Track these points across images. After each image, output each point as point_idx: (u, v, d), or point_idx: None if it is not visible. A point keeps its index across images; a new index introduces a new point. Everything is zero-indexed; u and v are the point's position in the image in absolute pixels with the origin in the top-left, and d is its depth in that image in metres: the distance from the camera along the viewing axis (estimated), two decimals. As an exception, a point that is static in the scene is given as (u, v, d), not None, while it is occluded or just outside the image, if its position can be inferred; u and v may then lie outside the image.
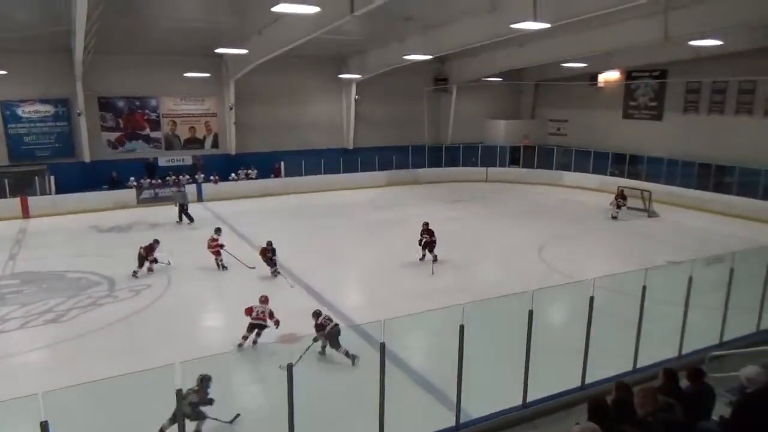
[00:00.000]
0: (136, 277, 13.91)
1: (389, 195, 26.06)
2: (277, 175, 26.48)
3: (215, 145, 26.40)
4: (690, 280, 9.27)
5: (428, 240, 15.21)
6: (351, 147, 29.20)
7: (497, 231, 19.25)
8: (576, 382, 8.20)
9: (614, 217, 21.00)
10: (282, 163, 26.42)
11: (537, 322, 7.58)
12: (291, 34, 18.13)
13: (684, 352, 9.28)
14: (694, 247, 16.60)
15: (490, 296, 9.03)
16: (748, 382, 4.96)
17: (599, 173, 27.76)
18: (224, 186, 24.59)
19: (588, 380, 8.22)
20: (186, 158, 25.59)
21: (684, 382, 6.22)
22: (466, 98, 31.20)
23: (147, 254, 14.09)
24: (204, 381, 7.46)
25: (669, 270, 13.13)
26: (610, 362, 8.79)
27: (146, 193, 23.37)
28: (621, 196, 21.69)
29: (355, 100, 28.51)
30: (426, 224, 15.42)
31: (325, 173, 26.71)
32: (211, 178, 24.87)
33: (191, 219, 20.00)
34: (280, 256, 15.53)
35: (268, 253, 13.76)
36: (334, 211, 22.19)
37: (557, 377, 8.21)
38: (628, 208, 21.67)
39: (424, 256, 15.22)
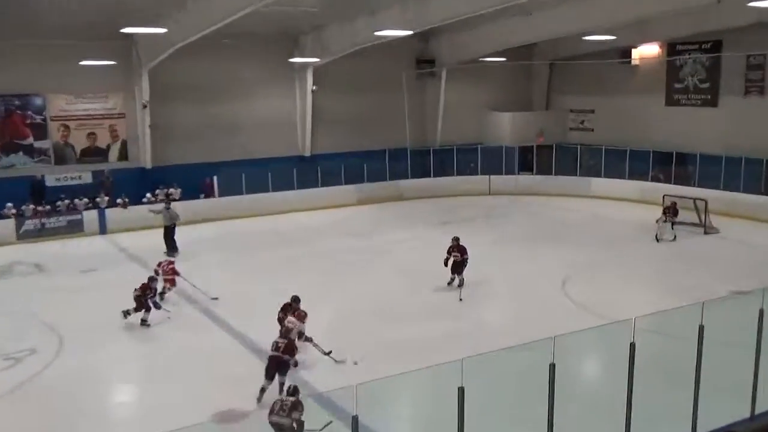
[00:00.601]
0: (147, 325, 14.21)
1: (362, 216, 26.10)
2: (209, 194, 26.35)
3: (123, 156, 26.22)
4: (761, 314, 9.38)
5: (458, 260, 16.24)
6: (308, 154, 29.26)
7: (506, 260, 19.31)
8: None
9: (660, 240, 21.21)
10: (215, 179, 26.34)
11: (561, 379, 7.59)
12: (225, 5, 18.23)
13: (758, 411, 9.35)
14: (766, 272, 16.84)
15: (500, 346, 9.01)
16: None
17: (638, 178, 28.22)
18: (135, 211, 24.29)
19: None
20: (84, 175, 25.35)
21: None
22: (460, 85, 31.57)
23: (144, 291, 14.34)
24: None
25: (734, 302, 13.29)
26: (660, 428, 8.81)
27: (29, 224, 23.08)
28: (671, 211, 21.89)
29: (312, 92, 28.67)
30: (456, 239, 16.61)
31: (274, 190, 26.66)
32: (118, 201, 24.63)
33: (175, 248, 20.47)
34: (215, 303, 15.40)
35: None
36: (288, 241, 22.13)
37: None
38: (677, 223, 21.99)
39: (453, 279, 16.38)
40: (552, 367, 7.57)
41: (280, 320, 12.29)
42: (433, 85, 31.51)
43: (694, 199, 22.77)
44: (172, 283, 15.78)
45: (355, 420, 6.42)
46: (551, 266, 18.25)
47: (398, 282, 17.06)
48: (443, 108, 31.34)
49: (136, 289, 14.34)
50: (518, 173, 31.00)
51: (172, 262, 16.25)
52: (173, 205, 21.83)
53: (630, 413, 8.21)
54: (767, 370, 9.40)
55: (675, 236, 21.37)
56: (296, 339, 11.51)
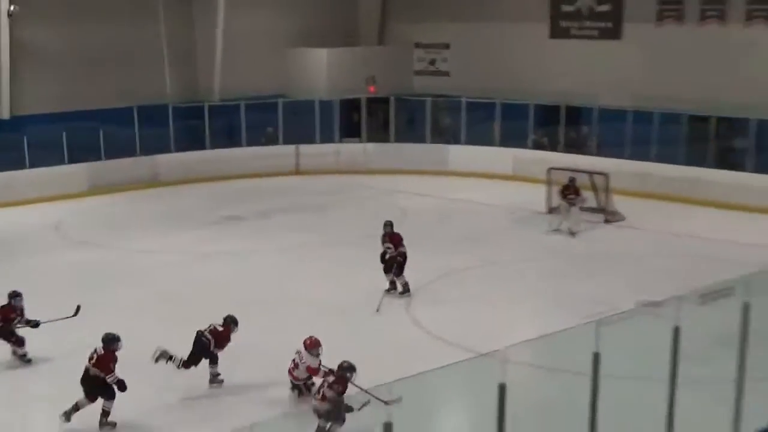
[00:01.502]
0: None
1: (94, 212, 25.55)
2: None
3: None
4: (677, 332, 10.11)
5: (393, 254, 17.76)
6: (6, 116, 28.28)
7: (328, 274, 19.45)
8: None
9: (572, 233, 22.43)
10: None
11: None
12: None
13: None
14: (686, 274, 18.11)
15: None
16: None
17: (513, 145, 29.47)
18: None
19: None
20: None
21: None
22: (248, 8, 31.57)
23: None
24: None
25: (642, 319, 14.21)
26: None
27: None
28: (572, 191, 23.04)
29: (10, 17, 27.58)
30: (389, 225, 18.20)
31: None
32: None
33: None
34: None
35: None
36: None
37: None
38: (556, 209, 23.24)
39: (392, 283, 18.00)
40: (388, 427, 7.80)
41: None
42: (204, 9, 31.25)
43: (591, 173, 24.09)
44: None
45: None
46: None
47: (152, 318, 16.77)
48: (223, 43, 31.06)
49: None
50: (340, 141, 31.42)
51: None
52: None
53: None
54: (686, 407, 10.17)
55: (572, 228, 22.63)
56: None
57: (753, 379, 11.01)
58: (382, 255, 18.00)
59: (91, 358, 12.59)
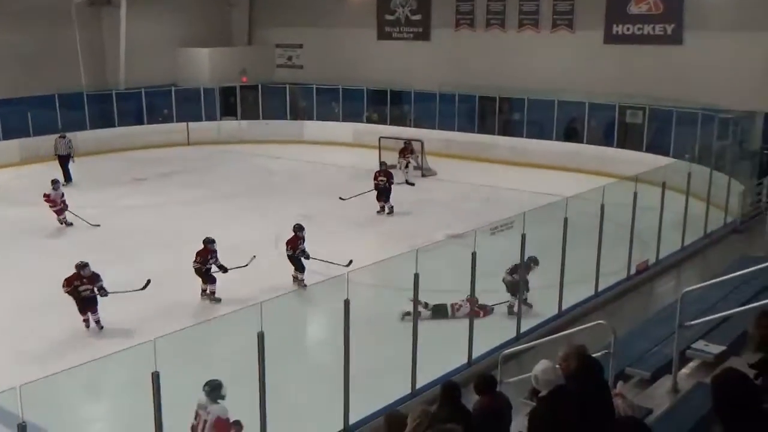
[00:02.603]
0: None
1: (27, 178, 24.33)
2: None
3: None
4: (474, 257, 10.37)
5: (383, 185, 19.68)
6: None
7: (214, 220, 19.13)
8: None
9: (411, 184, 22.99)
10: None
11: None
12: None
13: (474, 356, 10.39)
14: (482, 213, 18.60)
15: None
16: (539, 383, 5.69)
17: (353, 120, 29.67)
18: None
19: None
20: None
21: (474, 397, 6.92)
22: (146, 16, 30.41)
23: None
24: None
25: (450, 248, 14.55)
26: (383, 388, 9.46)
27: None
28: (408, 151, 23.78)
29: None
30: (384, 164, 20.58)
31: None
32: None
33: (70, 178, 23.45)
34: None
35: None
36: None
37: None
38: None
39: (383, 207, 19.58)
40: (260, 335, 7.71)
41: None
42: (110, 16, 30.03)
43: (411, 140, 24.39)
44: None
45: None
46: (267, 225, 18.41)
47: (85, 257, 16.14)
48: (126, 44, 29.98)
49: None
50: (221, 119, 31.02)
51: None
52: None
53: (347, 377, 8.66)
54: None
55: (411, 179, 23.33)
56: None
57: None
58: (376, 185, 19.83)
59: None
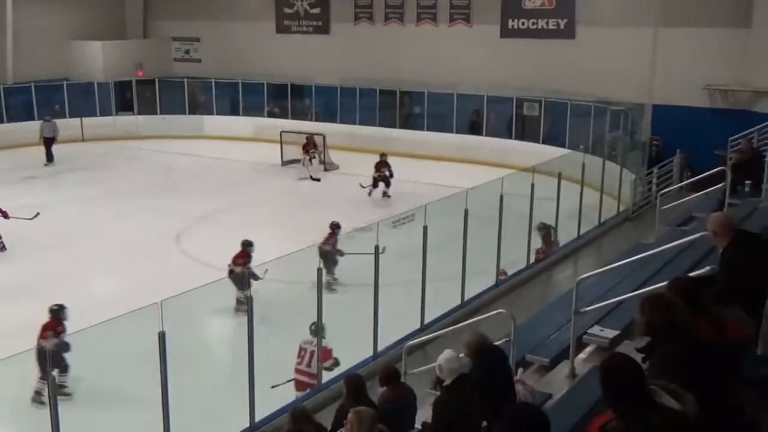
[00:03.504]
0: None
1: None
2: None
3: None
4: (377, 250, 10.47)
5: (383, 175, 20.68)
6: None
7: (110, 219, 18.73)
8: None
9: (316, 179, 23.01)
10: None
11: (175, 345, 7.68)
12: None
13: (380, 348, 10.49)
14: (384, 206, 18.77)
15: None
16: (443, 372, 5.81)
17: (253, 114, 29.44)
18: None
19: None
20: None
21: (378, 390, 7.02)
22: (34, 8, 29.47)
23: None
24: None
25: (353, 242, 14.60)
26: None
27: None
28: (311, 146, 23.68)
29: None
30: (384, 156, 21.04)
31: None
32: None
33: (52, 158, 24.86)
34: None
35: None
36: None
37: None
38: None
39: (384, 194, 20.61)
40: (161, 335, 7.61)
41: None
42: (-5, 7, 28.90)
43: (312, 135, 24.36)
44: None
45: None
46: (165, 223, 18.11)
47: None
48: (13, 36, 28.94)
49: None
50: (116, 114, 30.29)
51: None
52: None
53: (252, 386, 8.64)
54: (387, 305, 10.57)
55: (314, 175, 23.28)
56: None
57: (431, 280, 11.63)
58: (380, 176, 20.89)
59: None
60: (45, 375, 9.06)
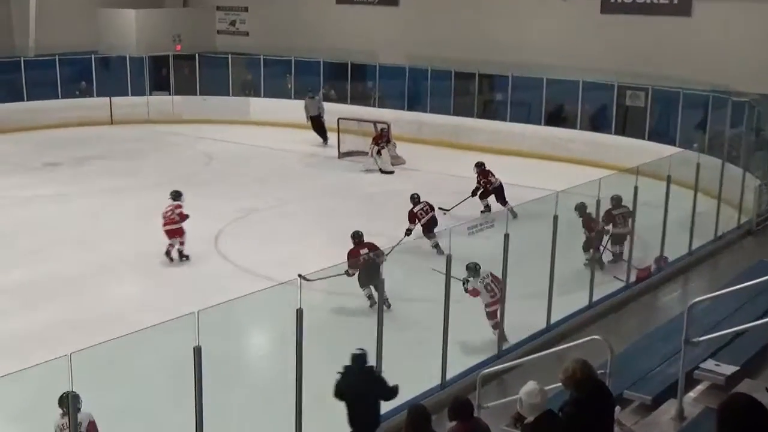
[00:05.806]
0: None
1: None
2: None
3: None
4: (449, 260, 10.40)
5: (486, 186, 19.26)
6: None
7: (140, 215, 18.99)
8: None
9: (388, 172, 23.12)
10: None
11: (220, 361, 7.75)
12: None
13: (449, 376, 10.42)
14: (456, 209, 18.70)
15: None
16: (524, 408, 5.76)
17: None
18: None
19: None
20: None
21: (447, 424, 7.00)
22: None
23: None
24: None
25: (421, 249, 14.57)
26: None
27: None
28: (384, 138, 23.60)
29: None
30: (481, 165, 19.55)
31: None
32: None
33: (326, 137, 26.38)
34: None
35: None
36: None
37: None
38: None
39: (488, 206, 19.29)
40: (197, 350, 7.67)
41: None
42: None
43: (375, 123, 24.36)
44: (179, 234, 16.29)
45: None
46: (202, 219, 18.22)
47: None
48: (37, 5, 29.66)
49: None
50: (150, 94, 30.64)
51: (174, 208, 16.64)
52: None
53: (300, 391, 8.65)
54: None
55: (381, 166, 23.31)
56: None
57: (510, 298, 11.52)
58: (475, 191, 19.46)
59: None
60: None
